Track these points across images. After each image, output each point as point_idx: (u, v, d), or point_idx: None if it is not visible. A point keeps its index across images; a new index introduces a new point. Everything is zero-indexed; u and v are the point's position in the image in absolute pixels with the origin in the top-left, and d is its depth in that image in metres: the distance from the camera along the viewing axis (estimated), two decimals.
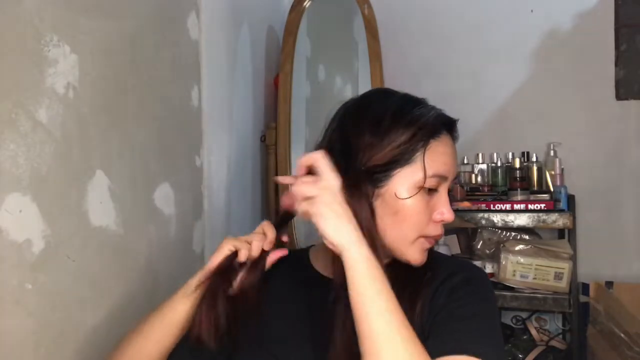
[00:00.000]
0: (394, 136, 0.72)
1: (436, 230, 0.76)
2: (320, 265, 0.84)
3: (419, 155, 0.73)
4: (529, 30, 2.10)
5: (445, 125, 0.77)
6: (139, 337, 0.80)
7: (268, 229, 0.80)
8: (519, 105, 2.12)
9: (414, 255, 0.75)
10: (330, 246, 0.68)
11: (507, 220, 1.75)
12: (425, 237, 0.75)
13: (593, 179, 2.02)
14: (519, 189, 1.84)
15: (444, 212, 0.75)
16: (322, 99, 2.06)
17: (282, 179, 0.83)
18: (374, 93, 0.83)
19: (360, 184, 0.72)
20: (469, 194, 1.92)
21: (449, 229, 2.01)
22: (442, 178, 0.75)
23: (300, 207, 0.69)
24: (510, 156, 2.02)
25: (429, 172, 0.73)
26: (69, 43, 0.92)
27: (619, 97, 2.01)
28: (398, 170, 0.73)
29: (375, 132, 0.73)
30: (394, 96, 0.78)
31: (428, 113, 0.75)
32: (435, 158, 0.74)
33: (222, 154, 1.61)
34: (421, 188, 0.73)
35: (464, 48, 2.17)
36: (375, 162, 0.72)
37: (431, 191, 0.75)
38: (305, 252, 0.89)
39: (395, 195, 0.72)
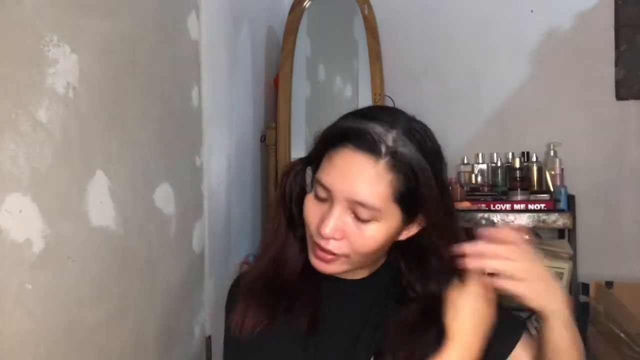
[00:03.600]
0: (315, 146, 0.77)
1: (319, 239, 0.73)
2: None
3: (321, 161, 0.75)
4: (529, 30, 2.10)
5: (349, 140, 0.72)
6: None
7: None
8: (519, 105, 2.12)
9: (310, 258, 0.76)
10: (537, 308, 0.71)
11: (507, 220, 1.75)
12: (316, 243, 0.74)
13: (593, 179, 2.02)
14: (519, 189, 1.84)
15: (323, 225, 0.72)
16: (322, 99, 2.06)
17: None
18: None
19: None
20: (469, 194, 1.92)
21: None
22: (324, 189, 0.72)
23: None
24: (510, 156, 2.02)
25: (318, 178, 0.73)
26: (69, 43, 0.92)
27: (619, 97, 2.01)
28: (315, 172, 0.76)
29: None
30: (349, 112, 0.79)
31: (345, 124, 0.74)
32: (324, 167, 0.73)
33: (222, 154, 1.61)
34: (315, 189, 0.74)
35: (464, 48, 2.18)
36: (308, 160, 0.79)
37: (323, 200, 0.73)
38: None
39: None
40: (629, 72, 2.00)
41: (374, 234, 0.72)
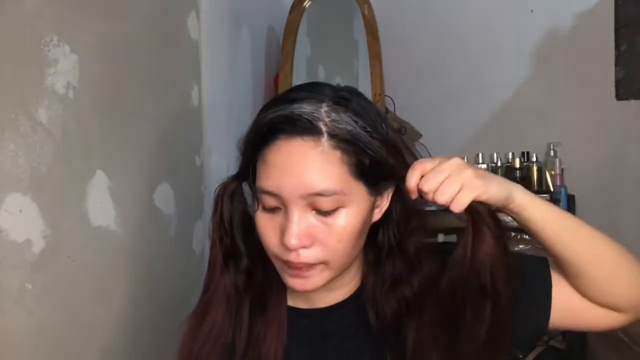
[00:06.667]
0: (242, 156, 0.68)
1: (288, 255, 0.63)
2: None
3: (256, 165, 0.65)
4: (529, 30, 2.10)
5: (279, 130, 0.62)
6: None
7: None
8: (519, 105, 2.11)
9: (285, 280, 0.67)
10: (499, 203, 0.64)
11: (507, 220, 1.75)
12: (285, 262, 0.64)
13: (593, 179, 2.01)
14: None
15: (286, 237, 0.62)
16: None
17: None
18: None
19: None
20: None
21: (449, 229, 2.01)
22: (271, 195, 0.62)
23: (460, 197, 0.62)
24: (510, 156, 2.01)
25: (258, 187, 0.64)
26: (69, 43, 0.91)
27: (619, 97, 2.01)
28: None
29: None
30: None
31: (266, 116, 0.63)
32: (261, 172, 0.63)
33: (222, 154, 1.60)
34: (261, 201, 0.64)
35: (464, 48, 2.17)
36: (240, 174, 0.69)
37: (275, 210, 0.64)
38: None
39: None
40: (629, 72, 2.00)
41: (347, 222, 0.63)
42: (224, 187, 0.72)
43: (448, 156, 0.64)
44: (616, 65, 2.01)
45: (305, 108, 0.62)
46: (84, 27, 0.96)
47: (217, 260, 0.73)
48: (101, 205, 1.00)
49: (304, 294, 0.71)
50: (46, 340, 0.87)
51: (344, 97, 0.66)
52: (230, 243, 0.72)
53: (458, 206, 0.62)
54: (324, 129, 0.62)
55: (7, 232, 0.78)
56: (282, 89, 1.94)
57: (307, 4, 2.01)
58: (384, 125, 0.67)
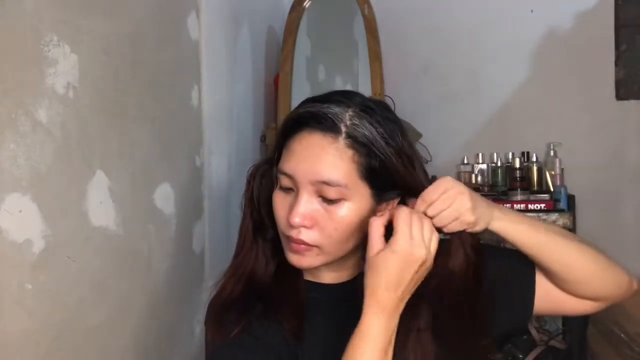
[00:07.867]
0: (275, 142, 0.79)
1: (290, 231, 0.72)
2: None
3: (282, 151, 0.75)
4: (529, 30, 2.10)
5: (305, 123, 0.72)
6: None
7: None
8: (519, 105, 2.12)
9: (286, 254, 0.75)
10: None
11: None
12: (288, 237, 0.73)
13: (593, 179, 2.02)
14: (519, 189, 1.84)
15: (291, 214, 0.70)
16: None
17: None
18: None
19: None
20: None
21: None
22: (287, 176, 0.72)
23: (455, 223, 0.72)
24: (510, 156, 2.02)
25: (279, 168, 0.74)
26: (69, 43, 0.92)
27: (619, 97, 2.01)
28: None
29: None
30: None
31: (299, 110, 0.74)
32: (285, 155, 0.73)
33: (222, 154, 1.60)
34: (279, 180, 0.74)
35: (464, 48, 2.18)
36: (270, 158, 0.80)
37: (289, 191, 0.73)
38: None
39: None
40: (629, 72, 2.00)
41: (345, 214, 0.71)
42: (257, 168, 0.82)
43: (454, 180, 0.73)
44: (616, 65, 2.02)
45: (333, 109, 0.71)
46: (84, 27, 0.96)
47: (247, 230, 0.81)
48: (101, 205, 1.00)
49: (312, 270, 0.79)
50: (46, 340, 0.87)
51: (370, 107, 0.73)
52: (258, 217, 0.80)
53: (449, 231, 0.74)
54: (343, 129, 0.70)
55: (7, 232, 0.78)
56: (282, 89, 1.94)
57: (307, 4, 2.01)
58: (402, 138, 0.74)
